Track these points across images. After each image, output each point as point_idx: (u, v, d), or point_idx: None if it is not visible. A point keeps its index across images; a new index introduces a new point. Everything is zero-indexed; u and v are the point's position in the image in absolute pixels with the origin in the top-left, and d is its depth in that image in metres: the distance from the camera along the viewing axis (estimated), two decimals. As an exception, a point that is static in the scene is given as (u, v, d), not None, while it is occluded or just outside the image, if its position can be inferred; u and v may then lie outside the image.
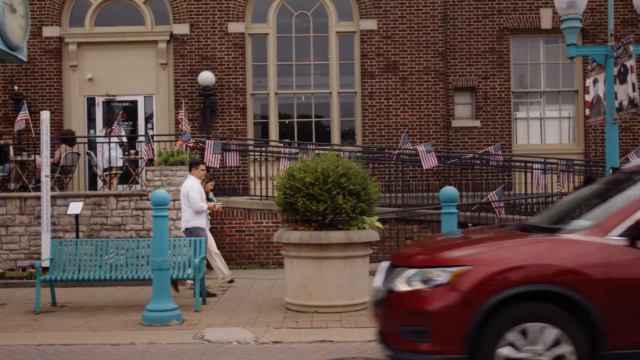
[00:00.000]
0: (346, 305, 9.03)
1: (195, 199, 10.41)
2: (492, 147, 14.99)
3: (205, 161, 13.88)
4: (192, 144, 14.07)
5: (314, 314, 8.93)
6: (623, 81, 10.26)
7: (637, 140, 16.60)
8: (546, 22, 16.57)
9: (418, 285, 5.07)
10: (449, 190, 8.26)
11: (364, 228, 9.21)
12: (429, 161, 13.96)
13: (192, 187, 10.47)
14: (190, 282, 11.08)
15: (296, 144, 15.67)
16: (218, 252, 11.33)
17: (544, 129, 16.96)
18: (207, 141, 13.93)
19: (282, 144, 15.77)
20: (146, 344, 7.44)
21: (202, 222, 10.60)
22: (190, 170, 10.94)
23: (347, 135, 16.84)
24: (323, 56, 16.64)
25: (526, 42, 16.84)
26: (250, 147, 15.89)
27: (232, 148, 14.29)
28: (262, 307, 9.47)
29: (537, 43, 16.91)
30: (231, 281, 11.38)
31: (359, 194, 9.03)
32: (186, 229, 10.59)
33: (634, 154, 14.20)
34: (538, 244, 5.16)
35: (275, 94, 16.58)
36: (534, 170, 14.52)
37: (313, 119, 16.76)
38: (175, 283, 10.44)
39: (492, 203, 12.73)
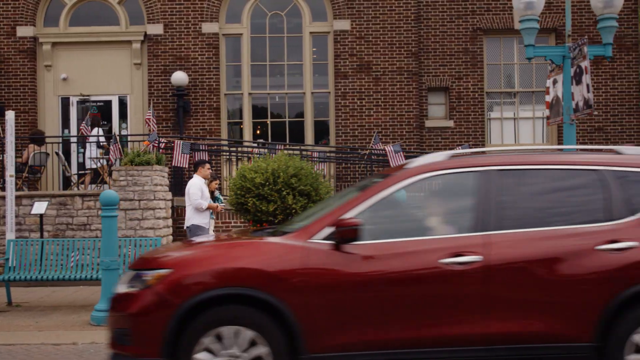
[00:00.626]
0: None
1: (195, 195, 10.45)
2: (460, 147, 15.05)
3: (174, 161, 13.96)
4: (159, 144, 14.13)
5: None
6: (579, 82, 10.31)
7: (610, 141, 16.63)
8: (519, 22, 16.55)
9: (130, 288, 4.96)
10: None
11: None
12: (397, 161, 14.00)
13: (194, 184, 10.55)
14: None
15: (262, 144, 15.72)
16: None
17: (517, 129, 17.01)
18: (175, 141, 13.99)
19: (255, 144, 15.83)
20: (87, 344, 7.49)
21: (203, 221, 10.59)
22: (196, 170, 10.99)
23: (321, 135, 16.89)
24: (297, 56, 16.69)
25: (500, 42, 16.88)
26: (219, 147, 15.92)
27: (201, 148, 14.35)
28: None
29: (510, 43, 16.96)
30: None
31: (310, 194, 9.10)
32: (187, 227, 10.69)
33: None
34: (242, 247, 5.11)
35: (249, 94, 16.63)
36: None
37: (287, 119, 16.81)
38: None
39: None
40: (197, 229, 10.49)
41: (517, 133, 17.00)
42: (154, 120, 14.29)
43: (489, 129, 17.00)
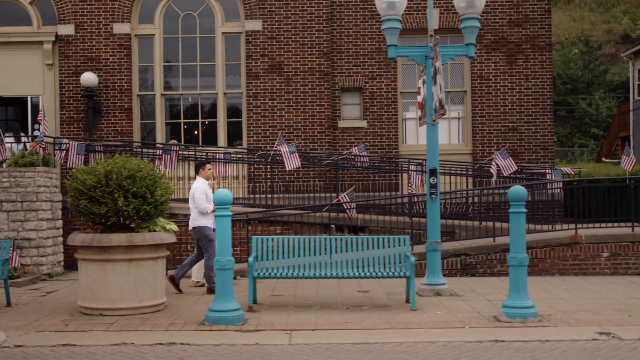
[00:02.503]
0: (132, 307, 9.03)
1: (200, 199, 10.61)
2: (356, 147, 14.97)
3: (69, 162, 13.93)
4: (61, 146, 14.10)
5: (99, 316, 8.94)
6: (435, 82, 10.23)
7: (524, 141, 16.53)
8: (433, 22, 16.46)
9: None
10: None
11: (155, 230, 9.22)
12: (292, 162, 13.93)
13: (198, 188, 10.71)
14: (194, 280, 11.42)
15: (175, 145, 15.66)
16: None
17: (433, 130, 16.87)
18: (70, 142, 13.97)
19: (161, 145, 15.75)
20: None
21: (209, 222, 10.71)
22: (197, 172, 11.04)
23: (235, 136, 16.82)
24: (210, 57, 16.62)
25: (414, 42, 16.77)
26: (131, 148, 15.87)
27: (97, 149, 14.31)
28: (56, 310, 9.47)
29: (425, 43, 16.78)
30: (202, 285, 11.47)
31: (145, 196, 9.03)
32: (193, 227, 10.79)
33: (499, 155, 14.12)
34: None
35: (162, 94, 16.58)
36: (410, 172, 14.49)
37: (199, 120, 16.76)
38: (176, 282, 10.75)
39: (344, 204, 12.70)
40: (205, 229, 10.68)
41: (432, 133, 16.87)
42: (46, 121, 14.24)
43: (404, 129, 16.91)
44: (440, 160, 15.56)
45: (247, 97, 16.33)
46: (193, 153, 15.12)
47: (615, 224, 13.22)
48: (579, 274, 12.56)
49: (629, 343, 7.34)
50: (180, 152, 15.31)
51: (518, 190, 8.51)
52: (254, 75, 16.31)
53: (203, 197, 10.64)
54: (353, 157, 15.20)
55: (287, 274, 9.42)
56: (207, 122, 16.79)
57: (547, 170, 15.16)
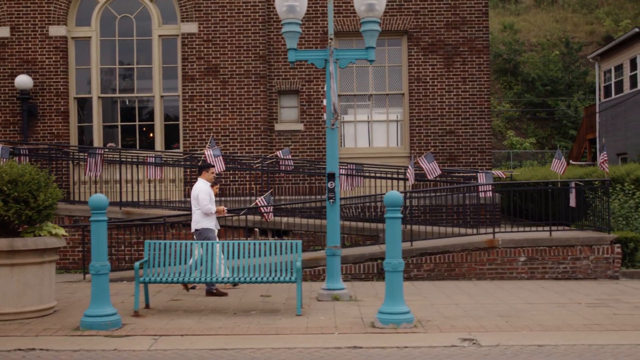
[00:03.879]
0: (15, 312, 8.98)
1: (204, 201, 10.70)
2: (280, 151, 14.94)
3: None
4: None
5: (-20, 321, 8.91)
6: (330, 87, 10.20)
7: (462, 144, 16.48)
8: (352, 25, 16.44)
9: None
10: None
11: (40, 235, 9.18)
12: (217, 166, 13.88)
13: (201, 189, 10.78)
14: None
15: (112, 148, 15.65)
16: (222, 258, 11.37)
17: (371, 133, 16.87)
18: (-6, 145, 13.95)
19: (107, 149, 15.72)
20: None
21: (211, 224, 10.84)
22: (200, 174, 11.10)
23: (173, 139, 16.80)
24: (147, 59, 16.60)
25: (352, 44, 16.74)
26: (68, 151, 15.85)
27: (21, 152, 14.29)
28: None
29: (363, 46, 16.75)
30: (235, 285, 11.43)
31: (28, 201, 9.00)
32: (195, 230, 10.86)
33: (424, 159, 14.07)
34: None
35: (99, 97, 16.54)
36: (341, 175, 14.46)
37: (137, 123, 16.74)
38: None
39: (261, 208, 12.66)
40: (208, 232, 10.74)
41: (371, 136, 16.87)
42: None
43: (342, 132, 16.87)
44: (377, 164, 15.69)
45: (184, 100, 16.31)
46: (132, 157, 15.10)
47: (533, 228, 13.17)
48: (496, 278, 12.51)
49: (485, 349, 7.30)
50: (112, 156, 15.32)
51: (393, 195, 8.47)
52: (190, 78, 16.28)
53: (207, 197, 10.75)
54: (278, 160, 15.16)
55: (172, 279, 9.39)
56: (144, 125, 16.76)
57: (477, 174, 15.07)
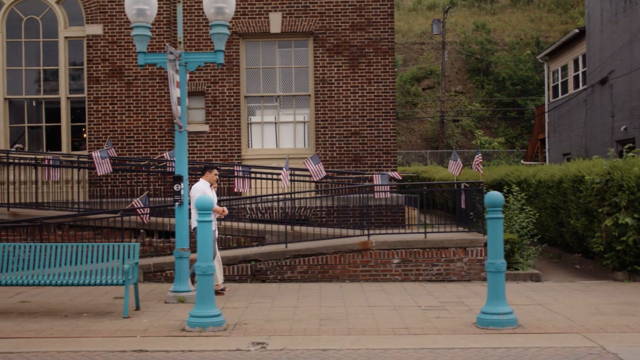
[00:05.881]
0: None
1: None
2: (167, 152, 14.96)
3: None
4: None
5: None
6: (170, 91, 10.22)
7: (367, 145, 16.48)
8: (275, 27, 16.48)
9: None
10: None
11: None
12: (104, 167, 13.93)
13: (198, 189, 10.80)
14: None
15: (19, 150, 15.70)
16: (220, 259, 11.42)
17: (278, 134, 16.89)
18: None
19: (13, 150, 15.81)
20: None
21: None
22: (203, 174, 11.17)
23: (80, 141, 16.85)
24: (54, 61, 16.64)
25: (259, 46, 16.76)
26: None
27: None
28: None
29: (271, 47, 16.83)
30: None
31: None
32: (193, 229, 10.80)
33: (310, 160, 14.06)
34: None
35: (5, 98, 16.60)
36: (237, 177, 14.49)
37: (44, 124, 16.78)
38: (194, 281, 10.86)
39: (137, 210, 12.69)
40: None
41: (278, 137, 16.88)
42: None
43: (249, 134, 16.89)
44: (274, 166, 15.68)
45: (89, 102, 16.34)
46: (38, 158, 15.16)
47: (408, 230, 13.16)
48: (370, 280, 12.52)
49: (265, 354, 7.31)
50: (20, 157, 15.37)
51: (203, 199, 8.49)
52: (95, 80, 16.32)
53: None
54: (163, 162, 15.18)
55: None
56: (52, 127, 16.80)
57: (373, 175, 15.07)
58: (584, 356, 7.10)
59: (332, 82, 16.54)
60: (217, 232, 11.31)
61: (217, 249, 11.19)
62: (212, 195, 10.95)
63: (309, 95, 16.76)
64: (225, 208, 11.24)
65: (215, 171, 11.23)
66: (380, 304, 10.13)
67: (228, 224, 13.95)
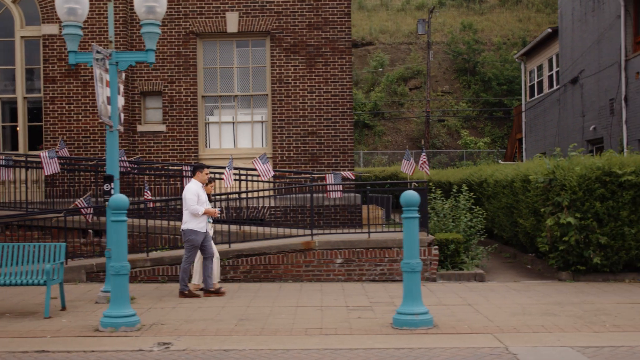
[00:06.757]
0: None
1: (191, 201, 10.64)
2: (119, 151, 14.88)
3: None
4: None
5: None
6: (96, 89, 10.18)
7: (324, 145, 16.43)
8: (232, 26, 16.43)
9: None
10: None
11: None
12: (51, 167, 13.90)
13: (189, 189, 10.74)
14: (194, 283, 11.16)
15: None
16: (218, 256, 11.44)
17: (236, 133, 16.84)
18: None
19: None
20: None
21: (198, 225, 10.71)
22: (194, 174, 11.06)
23: (38, 141, 16.81)
24: (10, 61, 16.61)
25: (216, 46, 16.72)
26: None
27: None
28: None
29: (229, 47, 16.78)
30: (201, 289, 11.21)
31: None
32: (182, 230, 10.85)
33: (259, 160, 14.01)
34: None
35: (-38, 99, 16.58)
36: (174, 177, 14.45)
37: (0, 124, 16.74)
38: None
39: (82, 210, 12.65)
40: (192, 233, 10.67)
41: (236, 137, 16.84)
42: None
43: (206, 133, 16.84)
44: (240, 166, 15.59)
45: (45, 102, 16.31)
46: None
47: (352, 230, 13.11)
48: (313, 280, 12.47)
49: (165, 354, 7.27)
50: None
51: (118, 199, 8.45)
52: (52, 80, 16.28)
53: (194, 198, 10.64)
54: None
55: None
56: (9, 127, 16.77)
57: (325, 175, 15.03)
58: (484, 356, 7.05)
59: (289, 82, 16.49)
60: (211, 231, 11.25)
61: (215, 249, 11.18)
62: (204, 196, 10.86)
63: (267, 95, 16.71)
64: (217, 210, 11.14)
65: (207, 170, 11.08)
66: (309, 304, 10.09)
67: (172, 224, 13.91)
